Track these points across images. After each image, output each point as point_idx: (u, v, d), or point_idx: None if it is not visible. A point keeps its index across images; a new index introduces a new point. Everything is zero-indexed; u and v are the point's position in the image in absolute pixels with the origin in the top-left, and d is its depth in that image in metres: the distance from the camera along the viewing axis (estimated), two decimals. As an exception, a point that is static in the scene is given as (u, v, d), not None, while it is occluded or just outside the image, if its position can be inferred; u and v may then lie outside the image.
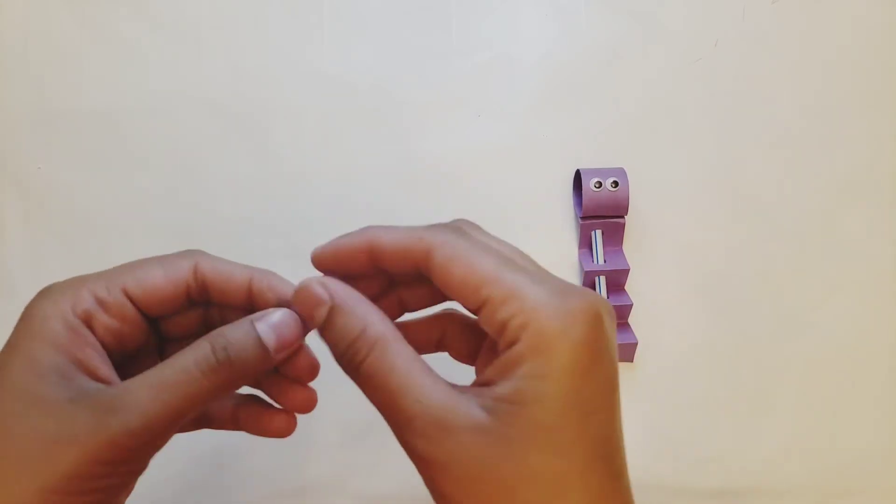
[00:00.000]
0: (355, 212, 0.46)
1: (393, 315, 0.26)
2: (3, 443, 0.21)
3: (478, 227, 0.25)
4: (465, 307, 0.23)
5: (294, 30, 0.47)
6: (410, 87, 0.47)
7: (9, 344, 0.23)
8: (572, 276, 0.46)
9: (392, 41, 0.48)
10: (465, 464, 0.21)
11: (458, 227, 0.24)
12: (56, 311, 0.23)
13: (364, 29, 0.48)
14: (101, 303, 0.24)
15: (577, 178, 0.46)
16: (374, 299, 0.24)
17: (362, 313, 0.23)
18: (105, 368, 0.23)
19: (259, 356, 0.23)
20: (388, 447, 0.44)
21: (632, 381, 0.44)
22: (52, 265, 0.44)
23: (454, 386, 0.22)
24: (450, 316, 0.28)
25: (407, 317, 0.28)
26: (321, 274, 0.25)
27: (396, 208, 0.46)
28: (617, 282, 0.44)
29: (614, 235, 0.45)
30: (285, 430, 0.28)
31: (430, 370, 0.22)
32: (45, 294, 0.23)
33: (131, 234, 0.45)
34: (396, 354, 0.22)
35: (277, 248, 0.45)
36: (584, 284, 0.45)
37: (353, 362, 0.23)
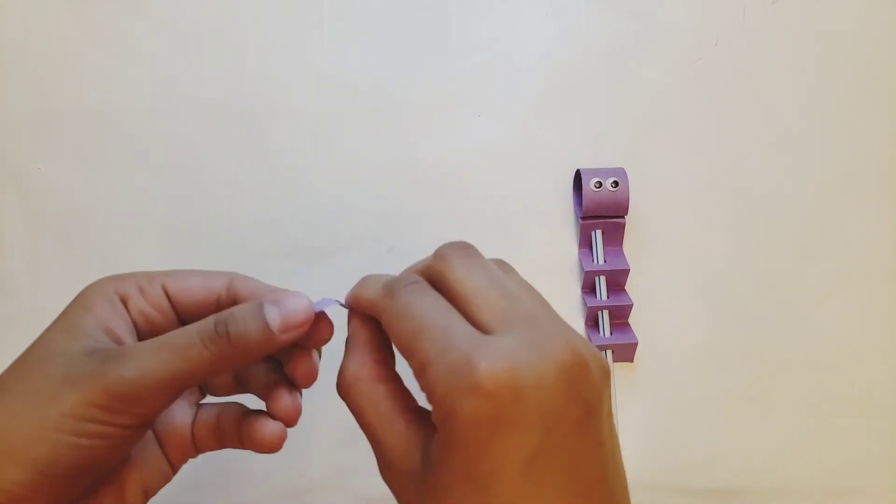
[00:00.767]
0: (355, 212, 0.46)
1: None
2: (22, 383, 0.23)
3: (461, 258, 0.25)
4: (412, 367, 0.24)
5: (294, 30, 0.47)
6: (410, 87, 0.47)
7: (59, 318, 0.26)
8: (572, 276, 0.46)
9: (392, 41, 0.48)
10: (408, 501, 0.24)
11: (434, 273, 0.25)
12: (101, 289, 0.26)
13: (364, 29, 0.48)
14: (140, 289, 0.26)
15: (577, 178, 0.46)
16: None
17: (360, 359, 0.26)
18: (130, 339, 0.26)
19: (261, 334, 0.24)
20: (388, 447, 0.44)
21: (632, 381, 0.44)
22: (52, 265, 0.44)
23: (424, 416, 0.25)
24: None
25: None
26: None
27: (396, 208, 0.46)
28: (617, 282, 0.44)
29: (614, 235, 0.45)
30: (277, 440, 0.28)
31: (401, 409, 0.25)
32: (100, 279, 0.27)
33: (131, 233, 0.45)
34: (379, 393, 0.26)
35: (277, 248, 0.45)
36: (584, 284, 0.45)
37: (340, 392, 0.27)
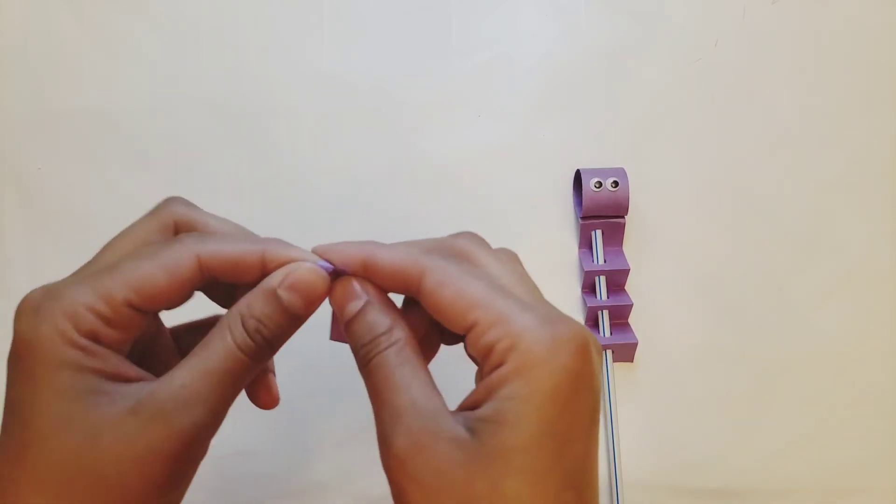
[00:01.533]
0: (355, 212, 0.46)
1: None
2: (84, 479, 0.21)
3: (481, 244, 0.26)
4: (452, 330, 0.23)
5: (294, 30, 0.47)
6: (410, 87, 0.47)
7: (23, 377, 0.21)
8: (572, 276, 0.46)
9: (392, 41, 0.48)
10: (437, 474, 0.21)
11: (458, 251, 0.25)
12: (58, 334, 0.21)
13: (364, 29, 0.48)
14: (104, 319, 0.22)
15: (577, 178, 0.46)
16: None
17: (393, 315, 0.24)
18: (133, 370, 0.23)
19: (291, 324, 0.24)
20: (388, 447, 0.44)
21: (632, 381, 0.44)
22: (51, 265, 0.44)
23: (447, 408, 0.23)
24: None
25: None
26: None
27: (396, 208, 0.46)
28: (617, 282, 0.44)
29: (614, 235, 0.45)
30: (274, 400, 0.28)
31: (433, 383, 0.23)
32: (34, 314, 0.21)
33: (131, 234, 0.45)
34: (410, 356, 0.23)
35: (277, 248, 0.45)
36: (584, 284, 0.45)
37: (370, 354, 0.23)
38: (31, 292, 0.22)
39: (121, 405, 0.21)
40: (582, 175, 0.44)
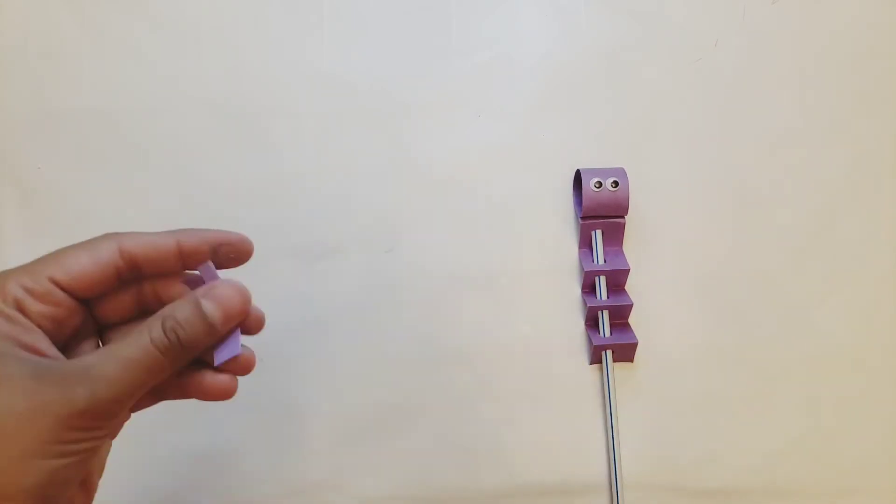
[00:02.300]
0: (355, 212, 0.46)
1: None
2: None
3: None
4: None
5: (294, 30, 0.47)
6: (410, 87, 0.47)
7: None
8: (572, 276, 0.46)
9: (392, 41, 0.48)
10: None
11: None
12: None
13: (364, 29, 0.48)
14: (28, 291, 0.25)
15: (577, 178, 0.46)
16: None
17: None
18: (51, 349, 0.25)
19: (207, 332, 0.26)
20: (387, 447, 0.44)
21: (632, 381, 0.44)
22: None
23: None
24: None
25: None
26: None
27: (396, 208, 0.46)
28: (617, 282, 0.44)
29: (614, 235, 0.45)
30: (228, 391, 0.29)
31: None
32: None
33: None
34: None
35: (277, 248, 0.45)
36: (584, 284, 0.45)
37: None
38: None
39: (26, 368, 0.23)
40: (582, 175, 0.44)
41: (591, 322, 0.45)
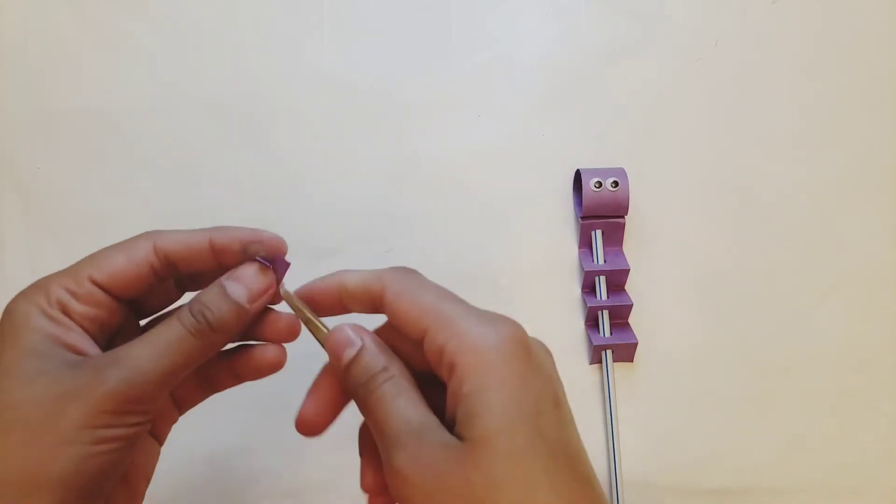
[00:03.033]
0: (355, 212, 0.46)
1: None
2: (10, 414, 0.23)
3: (416, 276, 0.27)
4: (411, 337, 0.25)
5: (294, 30, 0.47)
6: (410, 87, 0.47)
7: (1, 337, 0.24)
8: (572, 276, 0.46)
9: (392, 41, 0.48)
10: (436, 479, 0.22)
11: (410, 270, 0.27)
12: (33, 306, 0.24)
13: (364, 29, 0.48)
14: (72, 293, 0.25)
15: (577, 178, 0.46)
16: None
17: (387, 354, 0.26)
18: (93, 349, 0.25)
19: (235, 311, 0.26)
20: (388, 447, 0.44)
21: (632, 381, 0.44)
22: (51, 265, 0.44)
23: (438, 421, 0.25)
24: None
25: None
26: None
27: (396, 208, 0.46)
28: (617, 282, 0.44)
29: (614, 235, 0.45)
30: (279, 361, 0.29)
31: (425, 405, 0.25)
32: (17, 297, 0.25)
33: (131, 233, 0.45)
34: (405, 386, 0.25)
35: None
36: (584, 284, 0.45)
37: (368, 390, 0.25)
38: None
39: (64, 363, 0.23)
40: (582, 175, 0.44)
41: (591, 322, 0.45)
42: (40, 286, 0.25)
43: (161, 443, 0.29)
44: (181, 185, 0.46)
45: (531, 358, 0.23)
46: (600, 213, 0.44)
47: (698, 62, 0.48)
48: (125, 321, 0.27)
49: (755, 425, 0.44)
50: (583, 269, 0.45)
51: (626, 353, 0.44)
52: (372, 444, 0.26)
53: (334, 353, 0.26)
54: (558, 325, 0.45)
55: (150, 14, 0.47)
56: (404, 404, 0.24)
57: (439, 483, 0.22)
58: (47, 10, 0.47)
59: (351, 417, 0.45)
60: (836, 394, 0.45)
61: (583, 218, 0.45)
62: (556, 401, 0.24)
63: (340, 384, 0.27)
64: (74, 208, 0.45)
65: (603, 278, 0.44)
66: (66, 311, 0.25)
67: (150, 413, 0.25)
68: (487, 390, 0.22)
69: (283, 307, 0.29)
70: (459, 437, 0.22)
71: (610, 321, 0.44)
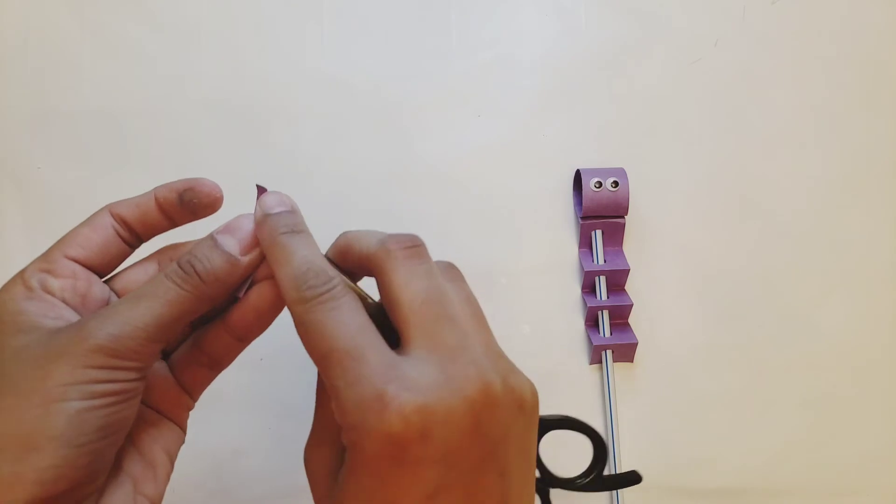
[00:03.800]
0: (355, 212, 0.46)
1: None
2: (2, 381, 0.22)
3: (411, 252, 0.26)
4: None
5: (294, 30, 0.47)
6: (410, 86, 0.47)
7: None
8: (572, 277, 0.46)
9: (392, 41, 0.48)
10: (314, 490, 0.24)
11: (370, 259, 0.26)
12: (11, 294, 0.24)
13: (364, 29, 0.48)
14: (47, 272, 0.25)
15: (577, 178, 0.46)
16: None
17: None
18: (76, 317, 0.25)
19: (225, 263, 0.25)
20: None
21: (632, 381, 0.44)
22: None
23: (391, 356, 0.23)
24: None
25: None
26: None
27: (396, 208, 0.46)
28: (617, 282, 0.44)
29: (614, 235, 0.45)
30: (278, 298, 0.28)
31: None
32: (3, 287, 0.25)
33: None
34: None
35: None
36: (584, 284, 0.45)
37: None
38: None
39: (51, 325, 0.23)
40: (582, 175, 0.44)
41: (591, 322, 0.45)
42: (14, 278, 0.25)
43: (182, 428, 0.29)
44: (181, 185, 0.46)
45: (409, 453, 0.21)
46: (600, 213, 0.44)
47: (698, 62, 0.48)
48: (109, 300, 0.27)
49: (755, 425, 0.44)
50: (583, 269, 0.45)
51: (626, 353, 0.44)
52: None
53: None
54: (558, 325, 0.45)
55: (150, 14, 0.47)
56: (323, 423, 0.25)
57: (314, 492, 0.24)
58: (47, 10, 0.47)
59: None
60: (836, 394, 0.45)
61: (583, 218, 0.45)
62: (428, 498, 0.21)
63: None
64: (74, 208, 0.45)
65: (603, 278, 0.44)
66: (45, 289, 0.25)
67: (142, 368, 0.24)
68: (347, 466, 0.22)
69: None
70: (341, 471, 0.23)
71: (610, 321, 0.44)
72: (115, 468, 0.25)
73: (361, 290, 0.26)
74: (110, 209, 0.27)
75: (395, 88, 0.47)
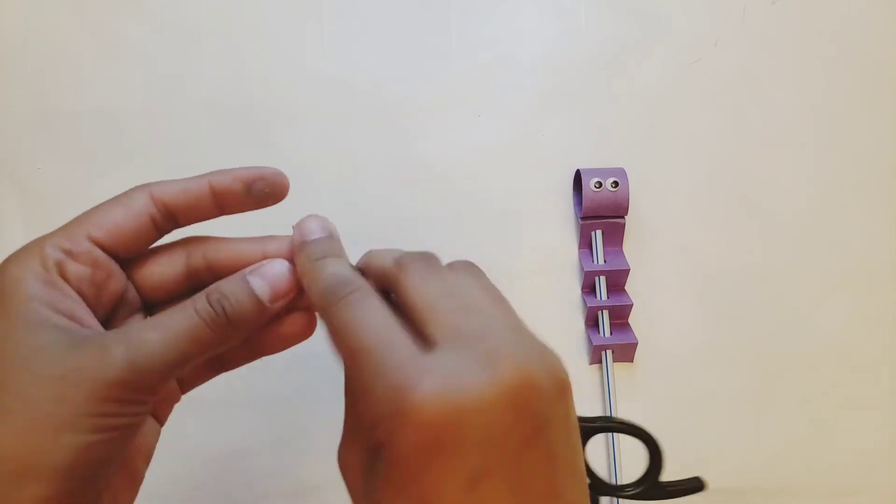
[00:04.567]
0: (355, 212, 0.46)
1: None
2: (7, 394, 0.21)
3: (419, 268, 0.25)
4: None
5: (294, 30, 0.47)
6: (410, 86, 0.47)
7: None
8: (572, 277, 0.46)
9: (392, 41, 0.48)
10: (350, 490, 0.23)
11: (384, 274, 0.25)
12: (27, 270, 0.22)
13: (364, 29, 0.48)
14: (67, 253, 0.23)
15: (577, 178, 0.46)
16: None
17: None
18: (89, 318, 0.23)
19: (255, 309, 0.24)
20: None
21: (632, 381, 0.44)
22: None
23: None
24: None
25: None
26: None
27: (397, 208, 0.46)
28: (617, 282, 0.44)
29: (614, 235, 0.45)
30: (308, 328, 0.28)
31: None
32: (8, 261, 0.23)
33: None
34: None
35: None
36: (584, 284, 0.45)
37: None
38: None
39: (63, 337, 0.22)
40: (582, 175, 0.44)
41: (591, 322, 0.45)
42: (32, 249, 0.23)
43: (162, 423, 0.28)
44: (181, 185, 0.46)
45: (447, 439, 0.19)
46: (600, 213, 0.44)
47: (698, 62, 0.48)
48: (124, 290, 0.26)
49: (755, 425, 0.44)
50: (583, 269, 0.45)
51: (626, 353, 0.44)
52: None
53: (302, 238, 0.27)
54: (558, 325, 0.45)
55: (150, 14, 0.47)
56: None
57: (351, 493, 0.23)
58: (47, 10, 0.47)
59: (351, 417, 0.45)
60: (836, 394, 0.45)
61: (583, 218, 0.45)
62: (470, 485, 0.20)
63: None
64: (74, 208, 0.45)
65: (603, 278, 0.44)
66: (62, 273, 0.23)
67: (155, 399, 0.23)
68: (386, 460, 0.20)
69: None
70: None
71: (610, 321, 0.44)
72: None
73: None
74: (152, 193, 0.25)
75: (395, 88, 0.47)
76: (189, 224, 0.27)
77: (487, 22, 0.48)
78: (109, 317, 0.25)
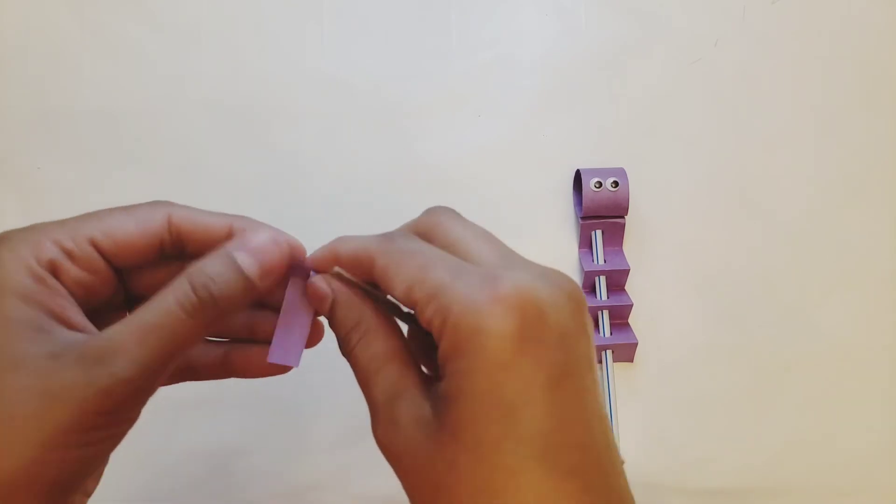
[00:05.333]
0: (355, 212, 0.46)
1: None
2: None
3: (448, 214, 0.26)
4: (410, 309, 0.23)
5: (294, 30, 0.47)
6: (410, 86, 0.47)
7: None
8: (572, 276, 0.46)
9: (392, 41, 0.48)
10: (409, 456, 0.21)
11: (422, 229, 0.25)
12: (19, 261, 0.21)
13: (364, 29, 0.48)
14: (67, 253, 0.22)
15: (577, 178, 0.46)
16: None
17: (359, 308, 0.24)
18: (80, 318, 0.22)
19: (243, 287, 0.23)
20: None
21: (632, 381, 0.44)
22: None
23: (428, 378, 0.23)
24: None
25: None
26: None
27: (396, 208, 0.46)
28: (617, 282, 0.44)
29: (614, 235, 0.45)
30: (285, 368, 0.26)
31: (403, 365, 0.23)
32: (1, 243, 0.21)
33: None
34: (377, 348, 0.23)
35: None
36: (584, 285, 0.45)
37: (347, 348, 0.24)
38: (10, 230, 0.22)
39: (43, 347, 0.20)
40: (582, 175, 0.44)
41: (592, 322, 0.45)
42: (29, 238, 0.22)
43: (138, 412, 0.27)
44: (181, 185, 0.46)
45: (527, 333, 0.20)
46: (600, 213, 0.44)
47: (698, 62, 0.48)
48: (113, 294, 0.25)
49: (755, 425, 0.44)
50: (583, 269, 0.45)
51: (626, 353, 0.44)
52: None
53: (315, 306, 0.25)
54: (558, 325, 0.45)
55: (150, 14, 0.47)
56: (376, 369, 0.23)
57: (410, 461, 0.21)
58: (47, 10, 0.47)
59: (350, 419, 0.45)
60: (836, 394, 0.45)
61: (583, 218, 0.45)
62: (547, 384, 0.20)
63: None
64: (74, 208, 0.45)
65: (603, 278, 0.44)
66: (55, 272, 0.22)
67: (141, 406, 0.22)
68: (466, 376, 0.20)
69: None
70: (435, 408, 0.21)
71: (610, 321, 0.44)
72: None
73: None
74: (171, 217, 0.24)
75: (395, 88, 0.47)
76: (196, 254, 0.25)
77: (487, 22, 0.48)
78: (96, 313, 0.24)
